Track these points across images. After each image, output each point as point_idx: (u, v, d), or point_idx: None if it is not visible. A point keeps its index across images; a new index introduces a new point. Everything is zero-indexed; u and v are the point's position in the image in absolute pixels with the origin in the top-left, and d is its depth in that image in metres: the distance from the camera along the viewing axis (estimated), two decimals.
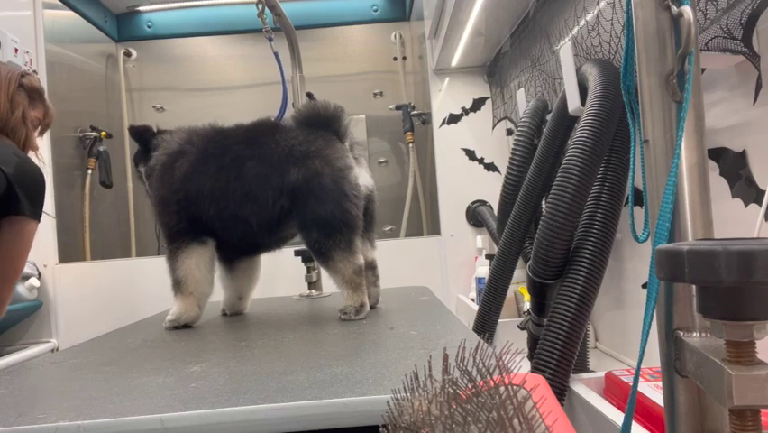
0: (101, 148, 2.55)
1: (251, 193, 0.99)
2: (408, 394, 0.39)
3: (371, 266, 1.05)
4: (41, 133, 1.44)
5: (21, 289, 2.06)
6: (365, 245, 1.05)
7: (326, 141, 1.01)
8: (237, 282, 1.15)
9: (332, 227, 0.96)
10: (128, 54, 2.87)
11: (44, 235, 2.28)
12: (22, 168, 1.22)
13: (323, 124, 1.03)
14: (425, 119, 2.64)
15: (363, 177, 1.02)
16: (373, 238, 1.08)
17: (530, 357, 1.11)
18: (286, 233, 1.08)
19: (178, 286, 1.03)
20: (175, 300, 1.04)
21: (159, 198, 1.07)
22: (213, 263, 1.07)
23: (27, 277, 2.11)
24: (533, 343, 1.12)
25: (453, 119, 2.40)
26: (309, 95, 1.70)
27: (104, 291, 2.27)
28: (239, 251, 1.13)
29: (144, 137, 1.16)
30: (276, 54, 1.37)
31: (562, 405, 0.92)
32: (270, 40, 1.38)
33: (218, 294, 1.11)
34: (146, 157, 1.14)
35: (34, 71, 2.24)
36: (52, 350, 2.17)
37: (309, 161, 0.97)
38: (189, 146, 1.05)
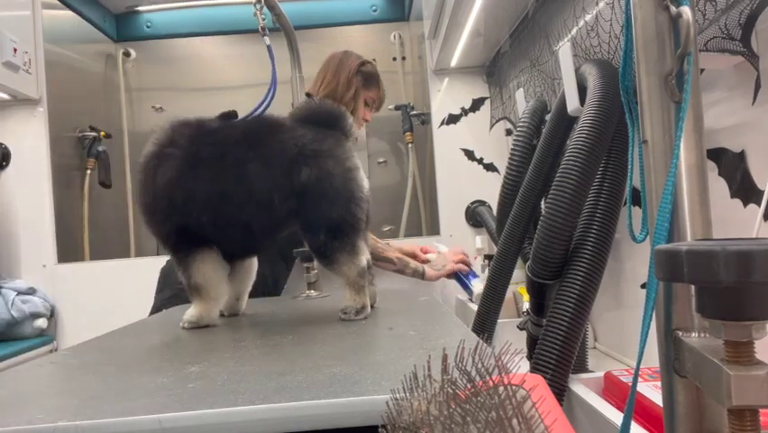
0: (100, 148, 2.55)
1: (257, 196, 0.94)
2: (407, 394, 0.39)
3: (367, 266, 1.05)
4: (377, 110, 1.84)
5: (28, 328, 2.14)
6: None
7: (336, 140, 0.97)
8: (234, 283, 1.14)
9: (339, 231, 0.94)
10: (127, 54, 2.87)
11: (43, 235, 2.28)
12: None
13: (329, 122, 0.98)
14: (425, 119, 2.64)
15: (365, 178, 1.00)
16: (367, 238, 1.07)
17: (529, 357, 1.11)
18: (285, 233, 1.06)
19: (197, 292, 0.99)
20: (193, 303, 1.00)
21: (143, 207, 1.01)
22: (225, 264, 1.03)
23: (38, 316, 2.16)
24: (532, 343, 1.12)
25: (453, 119, 2.40)
26: (308, 95, 1.70)
27: (102, 291, 2.27)
28: (234, 257, 1.10)
29: None
30: (269, 47, 1.34)
31: (561, 405, 0.92)
32: (264, 35, 1.36)
33: None
34: None
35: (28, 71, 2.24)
36: (51, 350, 2.17)
37: (321, 161, 0.93)
38: (173, 148, 0.98)
